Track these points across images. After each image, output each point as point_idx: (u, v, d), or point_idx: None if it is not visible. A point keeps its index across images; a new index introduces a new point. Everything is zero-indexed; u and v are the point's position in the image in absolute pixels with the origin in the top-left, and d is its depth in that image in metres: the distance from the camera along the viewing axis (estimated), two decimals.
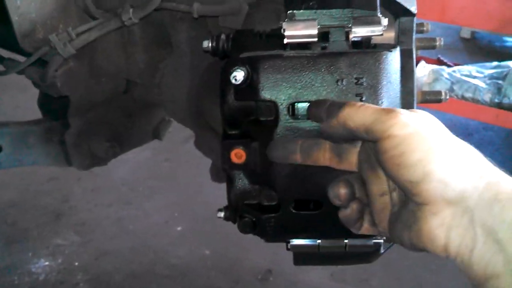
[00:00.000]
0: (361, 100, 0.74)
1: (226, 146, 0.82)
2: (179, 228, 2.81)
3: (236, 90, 0.80)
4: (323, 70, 0.75)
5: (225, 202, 0.90)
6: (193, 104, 1.27)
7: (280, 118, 0.77)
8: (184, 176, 3.19)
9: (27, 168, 1.58)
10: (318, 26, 0.75)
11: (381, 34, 0.74)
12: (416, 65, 0.89)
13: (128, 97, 1.41)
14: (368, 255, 0.90)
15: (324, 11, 0.78)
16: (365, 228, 0.73)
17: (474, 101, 3.29)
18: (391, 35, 0.87)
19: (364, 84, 0.74)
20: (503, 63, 3.41)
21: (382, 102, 0.75)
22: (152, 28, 1.25)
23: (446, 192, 0.58)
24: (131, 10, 1.11)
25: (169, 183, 3.16)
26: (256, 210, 0.84)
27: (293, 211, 0.81)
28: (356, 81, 0.74)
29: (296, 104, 0.77)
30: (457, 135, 0.64)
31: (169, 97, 1.31)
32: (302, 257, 0.93)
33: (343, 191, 0.70)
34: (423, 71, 3.34)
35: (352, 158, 0.72)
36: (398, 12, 0.86)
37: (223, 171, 0.88)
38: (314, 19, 0.76)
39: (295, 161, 0.75)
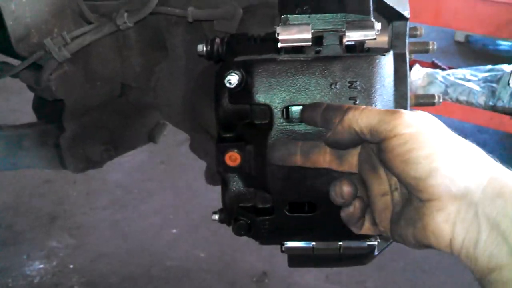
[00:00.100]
0: (354, 104, 0.75)
1: (221, 149, 0.83)
2: (174, 231, 2.81)
3: (231, 94, 0.81)
4: (317, 74, 0.75)
5: (220, 205, 0.90)
6: (188, 107, 1.28)
7: (275, 122, 0.78)
8: (179, 178, 3.19)
9: (22, 171, 1.58)
10: (312, 30, 0.76)
11: (375, 38, 0.75)
12: (410, 68, 0.89)
13: (124, 100, 1.40)
14: (363, 257, 0.90)
15: (318, 15, 0.79)
16: (366, 227, 0.74)
17: (469, 104, 3.31)
18: (384, 39, 0.88)
19: (358, 87, 0.75)
20: (497, 66, 3.43)
21: (375, 106, 0.75)
22: (148, 32, 1.25)
23: (452, 187, 0.59)
24: (125, 14, 1.11)
25: (165, 186, 3.17)
26: (251, 213, 0.84)
27: (288, 213, 0.81)
28: (349, 84, 0.75)
29: (290, 107, 0.77)
30: None
31: (165, 101, 1.31)
32: (297, 259, 0.94)
33: (346, 188, 0.71)
34: (417, 74, 3.36)
35: (352, 160, 0.73)
36: (391, 17, 0.87)
37: (217, 174, 0.88)
38: (308, 24, 0.77)
39: (295, 163, 0.75)
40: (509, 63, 3.40)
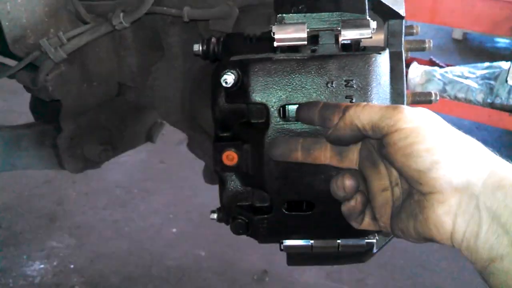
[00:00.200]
0: (351, 102, 0.75)
1: (218, 148, 0.83)
2: (174, 230, 2.81)
3: (227, 93, 0.81)
4: (313, 72, 0.76)
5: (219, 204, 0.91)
6: (185, 106, 1.28)
7: (271, 120, 0.78)
8: (178, 178, 3.20)
9: (21, 171, 1.58)
10: (308, 29, 0.76)
11: (370, 37, 0.75)
12: (408, 66, 0.89)
13: (121, 100, 1.40)
14: (361, 254, 0.91)
15: (314, 14, 0.79)
16: (366, 222, 0.74)
17: (467, 101, 3.31)
18: (380, 37, 0.87)
19: (354, 86, 0.75)
20: (494, 64, 3.44)
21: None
22: (144, 31, 1.25)
23: (453, 180, 0.60)
24: (121, 14, 1.11)
25: (164, 185, 3.17)
26: (249, 212, 0.85)
27: (286, 212, 0.82)
28: (346, 83, 0.75)
29: (287, 106, 0.78)
30: None
31: (162, 100, 1.31)
32: (296, 257, 0.94)
33: (348, 181, 0.71)
34: (415, 72, 3.36)
35: (353, 156, 0.74)
36: (387, 15, 0.87)
37: (215, 173, 0.88)
38: (303, 23, 0.77)
39: (296, 159, 0.76)
40: (506, 60, 3.40)
